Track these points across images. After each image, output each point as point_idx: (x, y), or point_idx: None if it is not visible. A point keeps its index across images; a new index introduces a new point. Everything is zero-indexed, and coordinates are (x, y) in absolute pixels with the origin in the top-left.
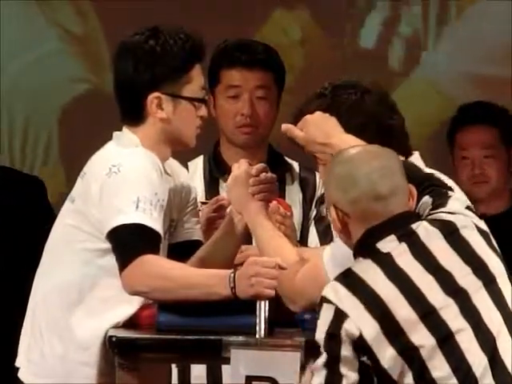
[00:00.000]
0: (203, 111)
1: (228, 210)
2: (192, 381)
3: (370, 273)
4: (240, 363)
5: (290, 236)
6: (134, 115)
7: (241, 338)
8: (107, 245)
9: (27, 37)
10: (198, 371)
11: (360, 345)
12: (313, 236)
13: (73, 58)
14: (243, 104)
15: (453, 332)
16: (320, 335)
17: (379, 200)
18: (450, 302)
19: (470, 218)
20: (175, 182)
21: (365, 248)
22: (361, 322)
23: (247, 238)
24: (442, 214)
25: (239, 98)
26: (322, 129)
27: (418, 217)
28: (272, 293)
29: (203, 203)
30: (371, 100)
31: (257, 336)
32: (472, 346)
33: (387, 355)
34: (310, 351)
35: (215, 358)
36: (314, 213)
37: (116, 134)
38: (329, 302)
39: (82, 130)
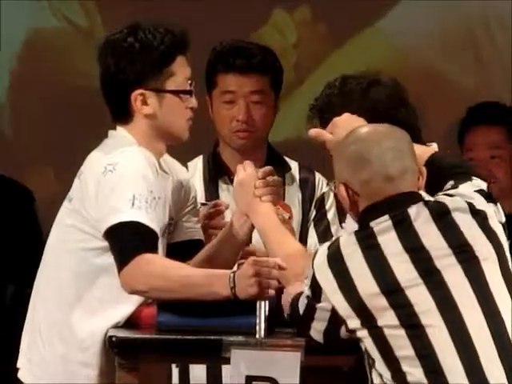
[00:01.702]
0: (192, 102)
1: (227, 216)
2: (191, 381)
3: (350, 248)
4: (240, 363)
5: None
6: (122, 113)
7: (241, 338)
8: (104, 243)
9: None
10: (198, 371)
11: (337, 316)
12: (312, 237)
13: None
14: (239, 110)
15: (417, 312)
16: (307, 283)
17: (389, 181)
18: (420, 281)
19: (469, 199)
20: (174, 180)
21: (360, 223)
22: (332, 297)
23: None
24: (440, 196)
25: (235, 103)
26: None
27: (418, 198)
28: (272, 293)
29: (203, 204)
30: (378, 91)
31: (257, 336)
32: (437, 326)
33: (357, 330)
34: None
35: (215, 358)
36: (313, 214)
37: (111, 132)
38: (312, 266)
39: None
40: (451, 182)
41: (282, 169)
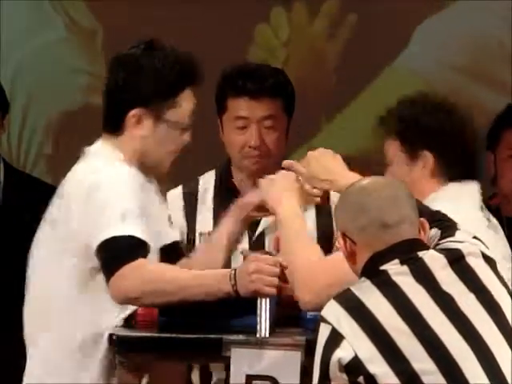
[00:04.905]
0: (186, 137)
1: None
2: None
3: (368, 293)
4: (240, 362)
5: None
6: (114, 125)
7: (241, 337)
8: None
9: (33, 24)
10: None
11: (356, 366)
12: None
13: (77, 48)
14: (251, 136)
15: (453, 356)
16: (317, 354)
17: (386, 228)
18: (450, 326)
19: (478, 246)
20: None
21: (368, 270)
22: (356, 344)
23: None
24: (449, 243)
25: (247, 129)
26: (324, 165)
27: (426, 246)
28: (273, 291)
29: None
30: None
31: (257, 335)
32: (475, 370)
33: (385, 376)
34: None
35: (215, 356)
36: None
37: (93, 147)
38: (326, 321)
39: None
40: (436, 231)
41: None
